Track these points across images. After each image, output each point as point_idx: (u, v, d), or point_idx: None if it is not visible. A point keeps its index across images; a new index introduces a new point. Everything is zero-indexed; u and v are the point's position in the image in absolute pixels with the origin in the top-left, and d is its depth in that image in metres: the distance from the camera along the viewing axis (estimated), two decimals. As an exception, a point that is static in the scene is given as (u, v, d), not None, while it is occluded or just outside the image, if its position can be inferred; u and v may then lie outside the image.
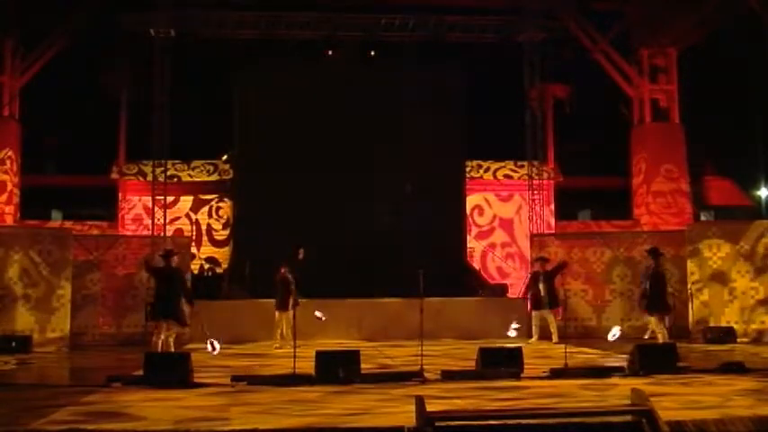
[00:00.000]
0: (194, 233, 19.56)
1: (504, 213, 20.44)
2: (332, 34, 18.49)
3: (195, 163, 19.80)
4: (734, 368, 9.54)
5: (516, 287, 18.23)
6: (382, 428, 6.07)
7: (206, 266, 19.17)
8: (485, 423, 5.71)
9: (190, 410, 6.99)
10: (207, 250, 19.64)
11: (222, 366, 10.53)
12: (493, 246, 20.21)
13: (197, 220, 19.76)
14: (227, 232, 19.70)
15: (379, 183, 17.57)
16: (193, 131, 18.18)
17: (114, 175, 19.73)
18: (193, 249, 18.83)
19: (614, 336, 11.28)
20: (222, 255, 19.61)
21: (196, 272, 18.30)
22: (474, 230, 20.11)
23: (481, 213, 20.45)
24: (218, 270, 19.06)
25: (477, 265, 19.58)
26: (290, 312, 12.70)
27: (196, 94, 17.83)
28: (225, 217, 19.79)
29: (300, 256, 13.45)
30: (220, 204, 19.79)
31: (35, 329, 13.37)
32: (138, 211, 19.55)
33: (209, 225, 19.87)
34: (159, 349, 11.01)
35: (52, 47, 18.78)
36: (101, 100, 19.36)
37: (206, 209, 19.83)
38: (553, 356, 11.15)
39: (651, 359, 9.41)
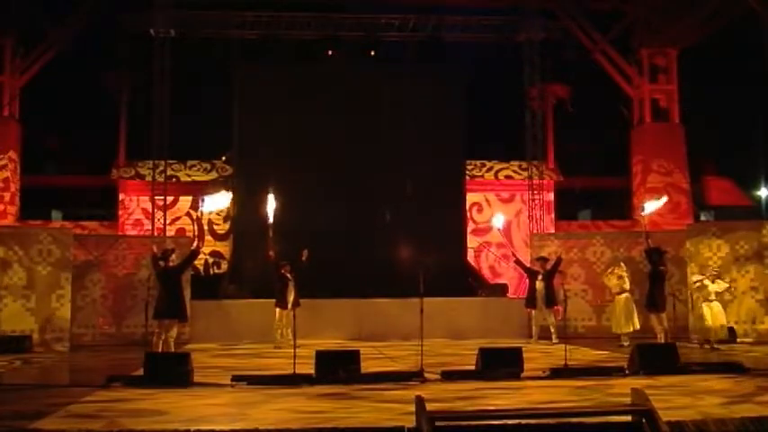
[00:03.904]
0: (196, 231, 19.57)
1: (503, 214, 20.40)
2: (332, 34, 18.51)
3: (192, 162, 19.79)
4: (733, 368, 9.55)
5: (511, 287, 18.26)
6: (382, 428, 6.06)
7: (210, 261, 19.22)
8: (485, 423, 5.71)
9: (190, 410, 6.99)
10: (210, 245, 19.65)
11: (222, 366, 10.54)
12: (488, 244, 20.22)
13: (197, 217, 19.75)
14: (227, 225, 19.69)
15: (379, 183, 17.56)
16: (193, 131, 18.19)
17: (114, 176, 19.74)
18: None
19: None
20: (226, 248, 19.61)
21: (201, 268, 18.43)
22: (470, 226, 20.10)
23: (480, 211, 20.46)
24: (224, 263, 19.13)
25: (471, 261, 19.58)
26: (290, 312, 12.71)
27: (196, 94, 17.83)
28: (225, 211, 19.80)
29: (304, 257, 13.47)
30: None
31: (35, 329, 13.36)
32: (137, 216, 19.54)
33: (210, 220, 19.86)
34: (160, 349, 11.02)
35: (52, 47, 18.79)
36: (101, 100, 19.37)
37: (206, 206, 19.84)
38: (553, 356, 11.15)
39: (651, 359, 9.41)
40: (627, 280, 13.71)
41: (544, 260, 14.89)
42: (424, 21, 18.50)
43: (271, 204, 12.68)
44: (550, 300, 14.22)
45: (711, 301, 12.87)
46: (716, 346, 12.48)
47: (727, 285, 13.23)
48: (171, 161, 18.77)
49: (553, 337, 14.11)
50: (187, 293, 12.98)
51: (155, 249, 12.01)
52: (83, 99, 18.79)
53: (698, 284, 13.12)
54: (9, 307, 13.33)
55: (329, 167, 17.51)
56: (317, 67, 18.55)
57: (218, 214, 19.82)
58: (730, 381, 8.64)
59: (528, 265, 15.35)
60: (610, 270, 14.14)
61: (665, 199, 14.54)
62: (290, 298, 13.48)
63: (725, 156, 21.41)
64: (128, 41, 18.05)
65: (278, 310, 13.61)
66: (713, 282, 12.96)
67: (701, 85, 19.26)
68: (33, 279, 13.53)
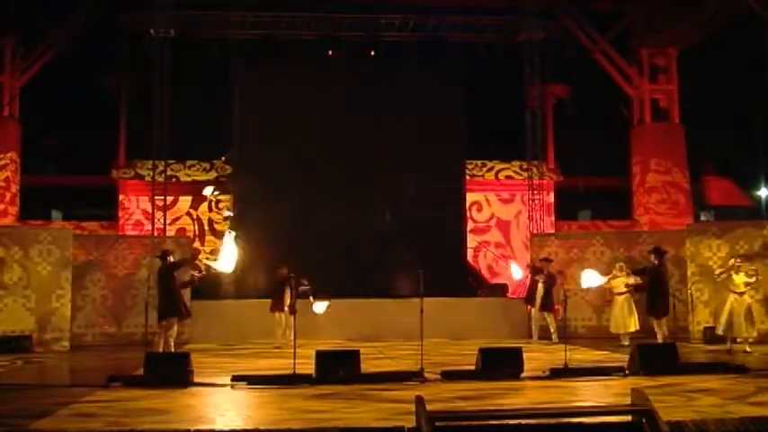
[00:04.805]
0: (196, 230, 19.57)
1: (502, 215, 20.43)
2: (332, 34, 18.50)
3: (191, 162, 19.78)
4: (733, 368, 9.56)
5: (510, 287, 18.24)
6: (382, 428, 6.07)
7: (212, 259, 19.20)
8: (485, 423, 5.71)
9: (190, 410, 6.99)
10: (210, 243, 19.64)
11: (222, 366, 10.55)
12: (487, 243, 20.21)
13: (198, 216, 19.75)
14: (227, 223, 19.69)
15: (379, 183, 17.56)
16: (193, 131, 18.18)
17: (114, 176, 19.73)
18: (197, 245, 19.08)
19: None
20: (226, 244, 19.59)
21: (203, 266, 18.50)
22: (469, 225, 20.06)
23: (480, 210, 20.45)
24: None
25: (469, 259, 19.57)
26: (286, 313, 12.72)
27: (196, 94, 17.82)
28: (225, 209, 19.80)
29: (302, 287, 13.30)
30: (220, 198, 19.79)
31: (35, 329, 13.37)
32: (137, 216, 19.51)
33: (210, 219, 19.86)
34: (161, 349, 11.04)
35: (52, 47, 18.77)
36: (101, 100, 19.36)
37: (205, 204, 19.83)
38: (553, 356, 11.16)
39: (651, 359, 9.42)
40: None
41: (548, 261, 14.94)
42: (424, 21, 18.48)
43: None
44: (547, 305, 14.30)
45: (742, 294, 12.20)
46: (748, 349, 11.86)
47: (754, 269, 12.59)
48: (170, 161, 18.76)
49: (553, 336, 14.13)
50: (187, 293, 12.99)
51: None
52: (83, 99, 18.77)
53: (723, 276, 12.46)
54: (9, 307, 13.33)
55: (329, 167, 17.50)
56: (317, 67, 18.54)
57: (218, 213, 19.84)
58: (730, 381, 8.65)
59: (531, 276, 15.33)
60: (612, 275, 14.06)
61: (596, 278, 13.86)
62: (287, 300, 13.41)
63: (725, 156, 21.41)
64: (128, 41, 18.01)
65: (276, 313, 13.60)
66: (737, 273, 12.28)
67: (701, 85, 19.24)
68: (33, 279, 13.54)
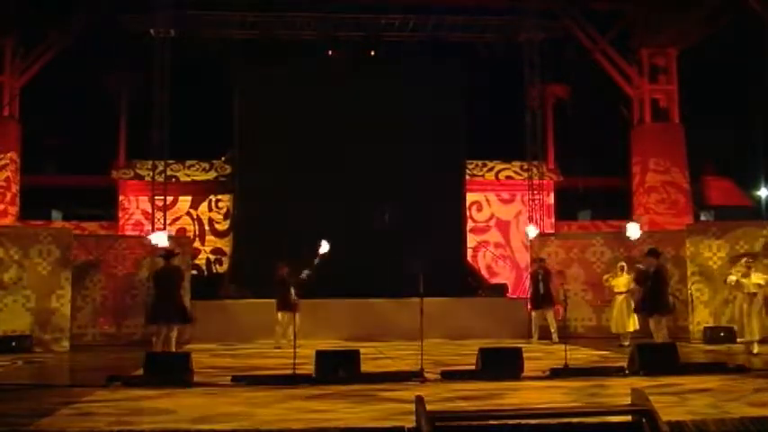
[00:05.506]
0: (196, 230, 19.57)
1: (502, 215, 20.41)
2: (332, 34, 18.51)
3: (190, 162, 19.78)
4: (733, 368, 9.56)
5: (509, 287, 18.28)
6: (382, 428, 6.07)
7: (212, 258, 19.27)
8: (485, 423, 5.70)
9: (190, 410, 6.99)
10: (211, 243, 19.66)
11: (222, 366, 10.55)
12: (486, 243, 20.20)
13: (198, 216, 19.76)
14: (228, 222, 19.70)
15: (379, 182, 17.56)
16: (193, 131, 18.18)
17: (114, 176, 19.73)
18: (198, 245, 19.12)
19: None
20: (227, 246, 19.61)
21: (204, 266, 18.69)
22: (469, 224, 20.05)
23: (480, 210, 20.45)
24: (225, 260, 19.19)
25: (468, 259, 19.57)
26: (292, 313, 12.73)
27: (196, 94, 17.82)
28: (225, 208, 19.81)
29: (303, 275, 13.30)
30: (220, 197, 19.80)
31: (35, 329, 13.38)
32: (137, 217, 19.51)
33: (210, 218, 19.87)
34: (159, 349, 11.05)
35: (52, 47, 18.77)
36: (101, 100, 19.36)
37: (205, 204, 19.84)
38: (553, 356, 11.16)
39: (651, 359, 9.42)
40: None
41: (542, 260, 14.96)
42: (424, 21, 18.50)
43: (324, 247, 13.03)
44: (546, 302, 14.34)
45: (754, 294, 11.76)
46: (755, 351, 11.49)
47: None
48: (170, 161, 18.74)
49: (553, 336, 14.14)
50: (187, 293, 13.01)
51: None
52: (83, 99, 18.77)
53: (732, 283, 12.03)
54: (9, 307, 13.34)
55: (329, 167, 17.52)
56: (317, 67, 18.55)
57: (218, 212, 19.85)
58: (730, 381, 8.64)
59: (530, 276, 15.40)
60: (611, 273, 14.05)
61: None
62: (291, 298, 13.43)
63: (725, 156, 21.41)
64: (128, 41, 18.02)
65: (280, 313, 13.60)
66: (745, 276, 11.82)
67: (701, 85, 19.24)
68: (33, 279, 13.54)
